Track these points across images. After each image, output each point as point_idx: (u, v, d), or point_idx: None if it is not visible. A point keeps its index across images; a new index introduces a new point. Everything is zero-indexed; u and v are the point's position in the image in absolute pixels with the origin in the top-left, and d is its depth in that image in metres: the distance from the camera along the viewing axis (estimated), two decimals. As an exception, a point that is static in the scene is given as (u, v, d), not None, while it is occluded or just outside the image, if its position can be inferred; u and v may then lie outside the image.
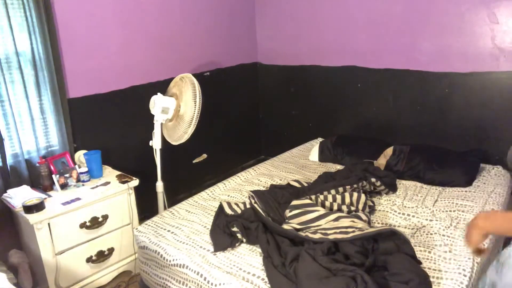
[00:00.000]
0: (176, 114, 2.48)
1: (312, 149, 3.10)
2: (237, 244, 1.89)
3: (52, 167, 2.33)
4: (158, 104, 2.44)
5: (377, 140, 3.05)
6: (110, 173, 2.55)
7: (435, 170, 2.48)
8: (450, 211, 2.12)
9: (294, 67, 3.60)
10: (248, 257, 1.80)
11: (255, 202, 2.15)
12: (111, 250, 2.37)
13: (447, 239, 1.84)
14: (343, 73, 3.28)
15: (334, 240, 1.72)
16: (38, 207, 2.04)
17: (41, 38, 2.29)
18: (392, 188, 2.39)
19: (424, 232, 1.93)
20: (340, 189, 2.20)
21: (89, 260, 2.27)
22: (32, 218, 2.00)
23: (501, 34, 2.51)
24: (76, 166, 2.42)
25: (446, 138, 2.85)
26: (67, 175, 2.34)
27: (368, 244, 1.69)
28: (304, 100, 3.62)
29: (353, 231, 1.76)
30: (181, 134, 2.47)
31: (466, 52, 2.66)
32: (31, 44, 2.26)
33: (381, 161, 2.71)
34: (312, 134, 3.52)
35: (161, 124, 2.54)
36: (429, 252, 1.76)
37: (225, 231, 1.95)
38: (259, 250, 1.85)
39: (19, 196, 2.14)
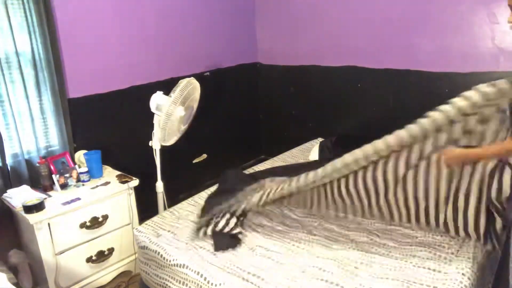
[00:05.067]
0: (169, 114, 2.48)
1: (312, 149, 3.10)
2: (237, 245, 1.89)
3: (52, 167, 2.33)
4: (153, 101, 2.45)
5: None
6: (110, 173, 2.55)
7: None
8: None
9: (294, 67, 3.60)
10: (248, 257, 1.80)
11: None
12: (111, 250, 2.37)
13: (449, 240, 1.84)
14: (343, 73, 3.28)
15: None
16: (38, 207, 2.04)
17: (41, 38, 2.29)
18: None
19: (426, 231, 1.93)
20: None
21: (89, 260, 2.27)
22: (32, 218, 2.00)
23: (501, 34, 2.51)
24: (76, 166, 2.42)
25: (446, 138, 2.85)
26: (67, 175, 2.34)
27: None
28: (304, 100, 3.62)
29: None
30: (167, 135, 2.47)
31: (466, 52, 2.66)
32: (31, 44, 2.26)
33: (381, 161, 2.70)
34: (312, 134, 3.52)
35: (161, 124, 2.53)
36: (430, 252, 1.76)
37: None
38: (259, 250, 1.85)
39: (19, 196, 2.14)
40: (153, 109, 2.46)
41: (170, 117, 2.37)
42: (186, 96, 2.40)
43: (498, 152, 1.57)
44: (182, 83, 2.40)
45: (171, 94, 2.36)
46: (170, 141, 2.50)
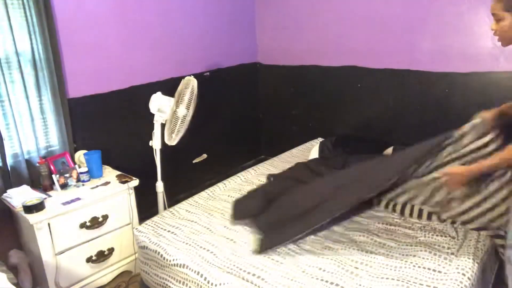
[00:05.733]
0: (173, 114, 2.49)
1: (312, 149, 3.10)
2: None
3: (52, 167, 2.33)
4: (154, 102, 2.45)
5: (377, 140, 3.04)
6: (110, 173, 2.55)
7: (435, 170, 2.48)
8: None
9: (294, 67, 3.60)
10: (248, 257, 1.80)
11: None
12: (111, 250, 2.37)
13: (449, 240, 1.84)
14: (343, 73, 3.28)
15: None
16: (38, 207, 2.04)
17: (41, 38, 2.29)
18: None
19: (426, 231, 1.93)
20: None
21: (89, 260, 2.27)
22: (32, 218, 2.00)
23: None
24: (76, 166, 2.42)
25: (446, 138, 2.85)
26: (67, 175, 2.34)
27: None
28: (304, 100, 3.62)
29: None
30: (173, 135, 2.47)
31: (466, 52, 2.66)
32: (31, 44, 2.26)
33: (381, 161, 2.70)
34: (312, 134, 3.52)
35: (161, 124, 2.54)
36: (430, 252, 1.76)
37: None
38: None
39: (19, 196, 2.14)
40: (154, 110, 2.46)
41: (177, 117, 2.38)
42: (194, 97, 2.43)
43: (498, 163, 1.67)
44: (190, 84, 2.41)
45: (184, 97, 2.38)
46: (175, 141, 2.50)
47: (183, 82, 2.53)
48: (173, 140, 2.50)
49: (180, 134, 2.49)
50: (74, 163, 2.47)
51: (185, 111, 2.44)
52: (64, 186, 2.32)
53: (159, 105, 2.45)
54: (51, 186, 2.31)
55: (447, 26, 2.69)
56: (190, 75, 2.54)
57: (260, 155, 4.14)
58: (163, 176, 2.63)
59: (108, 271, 2.39)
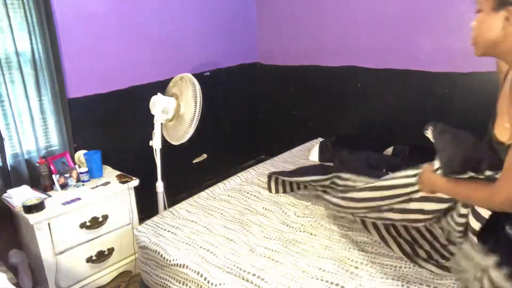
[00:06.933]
0: (176, 114, 2.48)
1: (312, 149, 3.10)
2: None
3: (52, 167, 2.33)
4: (158, 104, 2.44)
5: (377, 140, 3.04)
6: (110, 173, 2.55)
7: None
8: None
9: (294, 67, 3.60)
10: (248, 257, 1.80)
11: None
12: (111, 250, 2.37)
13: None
14: (343, 73, 3.28)
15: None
16: (38, 207, 2.04)
17: (41, 38, 2.29)
18: None
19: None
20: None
21: (89, 260, 2.27)
22: (32, 218, 2.00)
23: (501, 34, 2.50)
24: (76, 166, 2.42)
25: (446, 138, 2.85)
26: (67, 175, 2.34)
27: None
28: (304, 100, 3.62)
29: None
30: (181, 134, 2.46)
31: (467, 52, 2.63)
32: (31, 44, 2.26)
33: (381, 161, 2.70)
34: (312, 134, 3.52)
35: (161, 124, 2.54)
36: (429, 252, 1.75)
37: None
38: (259, 250, 1.85)
39: (19, 196, 2.14)
40: (157, 111, 2.45)
41: (181, 115, 2.37)
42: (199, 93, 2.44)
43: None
44: (196, 84, 2.40)
45: (196, 98, 2.37)
46: (184, 139, 2.49)
47: (182, 80, 2.51)
48: (184, 139, 2.49)
49: (191, 133, 2.47)
50: (74, 163, 2.47)
51: (191, 110, 2.41)
52: (64, 186, 2.32)
53: (163, 106, 2.44)
54: (51, 186, 2.31)
55: (448, 26, 2.69)
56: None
57: (260, 155, 4.14)
58: (163, 176, 2.63)
59: (108, 271, 2.40)
